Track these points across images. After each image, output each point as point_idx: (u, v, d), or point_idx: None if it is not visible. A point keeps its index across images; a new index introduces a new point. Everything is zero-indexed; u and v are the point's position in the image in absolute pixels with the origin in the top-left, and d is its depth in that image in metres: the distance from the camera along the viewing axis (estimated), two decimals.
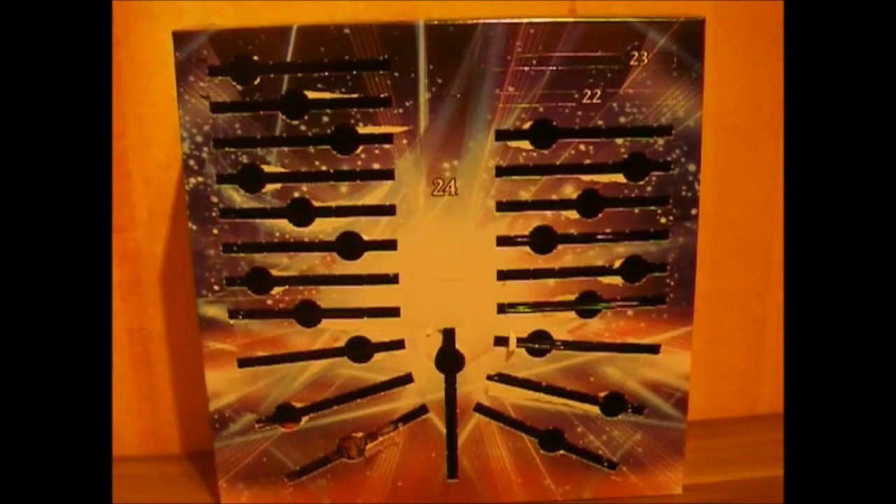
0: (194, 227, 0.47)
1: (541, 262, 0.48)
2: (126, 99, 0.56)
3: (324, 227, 0.48)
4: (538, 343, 0.50)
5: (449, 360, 0.50)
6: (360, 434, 0.50)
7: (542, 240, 0.48)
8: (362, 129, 0.46)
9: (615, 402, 0.50)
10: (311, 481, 0.51)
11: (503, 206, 0.47)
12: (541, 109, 0.46)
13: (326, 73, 0.45)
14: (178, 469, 0.58)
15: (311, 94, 0.46)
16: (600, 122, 0.47)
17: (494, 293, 0.49)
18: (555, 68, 0.45)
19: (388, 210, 0.47)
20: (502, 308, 0.49)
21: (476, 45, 0.45)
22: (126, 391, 0.60)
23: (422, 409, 0.50)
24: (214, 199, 0.47)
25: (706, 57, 0.46)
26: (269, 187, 0.47)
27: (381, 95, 0.46)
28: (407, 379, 0.50)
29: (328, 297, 0.48)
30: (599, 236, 0.48)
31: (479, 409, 0.50)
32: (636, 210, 0.48)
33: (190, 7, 0.55)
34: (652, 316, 0.49)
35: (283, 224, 0.48)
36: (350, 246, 0.48)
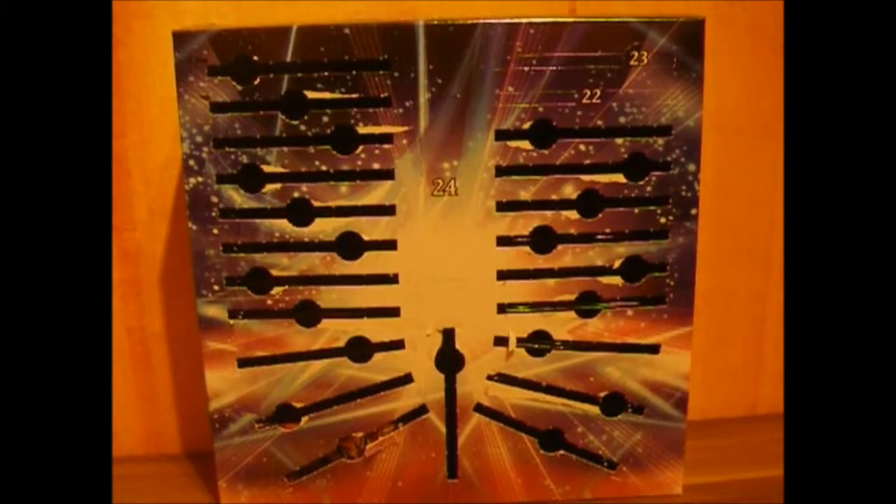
0: (194, 227, 0.47)
1: (541, 262, 0.48)
2: (126, 99, 0.56)
3: (324, 227, 0.48)
4: (538, 343, 0.50)
5: (449, 360, 0.50)
6: (360, 434, 0.50)
7: (542, 240, 0.48)
8: (362, 129, 0.46)
9: (615, 402, 0.50)
10: (311, 481, 0.51)
11: (503, 206, 0.47)
12: (541, 109, 0.46)
13: (326, 73, 0.45)
14: (178, 469, 0.58)
15: (311, 94, 0.46)
16: (600, 122, 0.47)
17: (494, 293, 0.49)
18: (555, 68, 0.45)
19: (388, 210, 0.47)
20: (502, 308, 0.49)
21: (476, 45, 0.45)
22: (126, 391, 0.60)
23: (422, 409, 0.50)
24: (214, 199, 0.47)
25: (706, 57, 0.46)
26: (269, 187, 0.47)
27: (381, 95, 0.46)
28: (407, 379, 0.50)
29: (328, 297, 0.48)
30: (599, 236, 0.48)
31: (479, 409, 0.50)
32: (636, 210, 0.48)
33: (190, 7, 0.55)
34: (652, 316, 0.49)
35: (283, 224, 0.48)
36: (350, 246, 0.48)
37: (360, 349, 0.49)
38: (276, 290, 0.48)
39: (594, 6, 0.57)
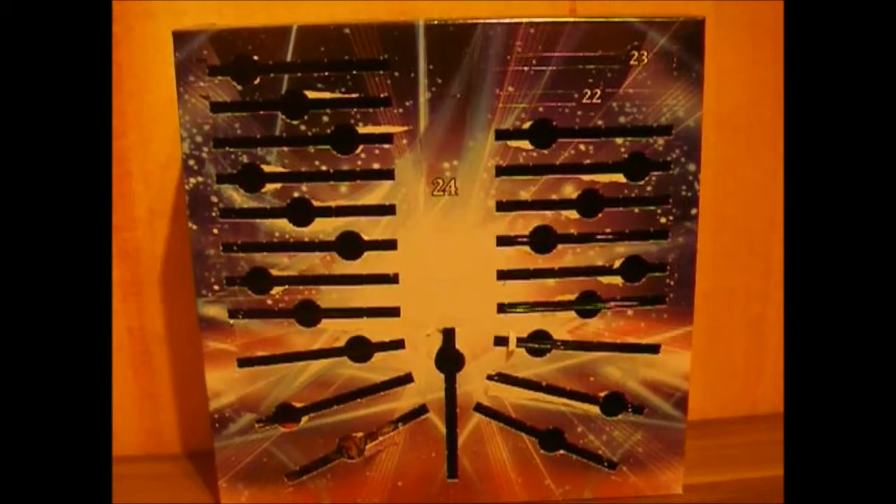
0: (194, 227, 0.47)
1: (541, 261, 0.48)
2: (126, 99, 0.56)
3: (324, 227, 0.48)
4: (538, 343, 0.50)
5: (449, 359, 0.50)
6: (360, 434, 0.50)
7: (542, 240, 0.48)
8: (362, 129, 0.46)
9: (615, 402, 0.50)
10: (311, 481, 0.51)
11: (503, 206, 0.47)
12: (541, 109, 0.46)
13: (326, 73, 0.46)
14: (178, 469, 0.58)
15: (311, 94, 0.46)
16: (600, 122, 0.47)
17: (494, 293, 0.49)
18: (555, 68, 0.45)
19: (388, 210, 0.47)
20: (502, 308, 0.49)
21: (476, 45, 0.45)
22: (126, 391, 0.60)
23: (422, 409, 0.50)
24: (214, 199, 0.47)
25: (706, 57, 0.46)
26: (269, 187, 0.47)
27: (381, 95, 0.46)
28: (407, 379, 0.50)
29: (328, 296, 0.48)
30: (599, 236, 0.48)
31: (479, 408, 0.50)
32: (636, 210, 0.48)
33: (190, 7, 0.55)
34: (652, 316, 0.49)
35: (283, 224, 0.48)
36: (350, 246, 0.48)
37: (360, 349, 0.49)
38: (276, 290, 0.48)
39: (594, 6, 0.57)
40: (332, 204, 0.47)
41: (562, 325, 0.49)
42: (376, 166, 0.47)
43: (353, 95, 0.46)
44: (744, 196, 0.60)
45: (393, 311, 0.49)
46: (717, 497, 0.52)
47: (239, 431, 0.50)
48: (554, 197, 0.48)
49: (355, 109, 0.46)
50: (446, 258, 0.48)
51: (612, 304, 0.49)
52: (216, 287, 0.48)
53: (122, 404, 0.60)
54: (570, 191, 0.48)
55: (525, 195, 0.47)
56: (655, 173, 0.47)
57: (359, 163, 0.47)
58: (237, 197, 0.47)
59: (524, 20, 0.45)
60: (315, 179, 0.47)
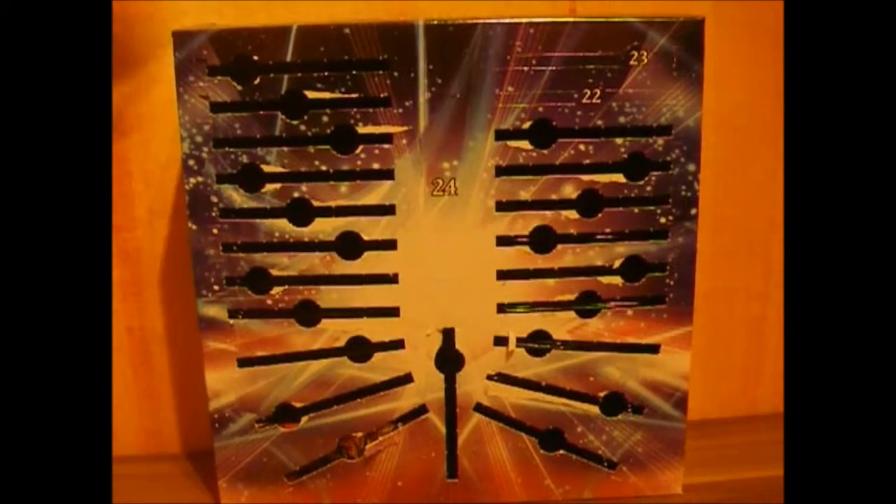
0: (194, 227, 0.47)
1: (540, 261, 0.48)
2: (126, 99, 0.56)
3: (324, 227, 0.48)
4: (538, 343, 0.50)
5: (449, 359, 0.50)
6: (360, 434, 0.50)
7: (542, 240, 0.48)
8: (362, 129, 0.46)
9: (615, 402, 0.50)
10: (311, 481, 0.51)
11: (503, 206, 0.47)
12: (540, 109, 0.46)
13: (326, 73, 0.46)
14: (178, 469, 0.58)
15: (310, 94, 0.46)
16: (600, 122, 0.47)
17: (494, 293, 0.49)
18: (555, 68, 0.45)
19: (387, 210, 0.47)
20: (502, 308, 0.49)
21: (476, 45, 0.45)
22: (126, 391, 0.60)
23: (421, 409, 0.50)
24: (214, 199, 0.47)
25: (706, 57, 0.46)
26: (269, 187, 0.47)
27: (381, 95, 0.46)
28: (407, 379, 0.50)
29: (328, 296, 0.48)
30: (599, 236, 0.48)
31: (479, 408, 0.50)
32: (636, 210, 0.48)
33: (190, 7, 0.55)
34: (652, 316, 0.49)
35: (283, 224, 0.48)
36: (350, 246, 0.48)
37: (360, 349, 0.49)
38: (276, 290, 0.48)
39: (594, 6, 0.57)
40: (332, 204, 0.47)
41: (562, 325, 0.49)
42: (376, 166, 0.47)
43: (353, 95, 0.46)
44: (744, 196, 0.60)
45: (393, 311, 0.49)
46: (717, 497, 0.52)
47: (239, 431, 0.50)
48: (554, 197, 0.48)
49: (355, 109, 0.46)
50: (446, 258, 0.48)
51: (612, 304, 0.49)
52: (216, 287, 0.48)
53: (122, 404, 0.60)
54: (569, 191, 0.48)
55: (525, 195, 0.47)
56: (655, 173, 0.47)
57: (359, 163, 0.47)
58: (237, 197, 0.47)
59: (524, 20, 0.45)
60: (315, 179, 0.47)
